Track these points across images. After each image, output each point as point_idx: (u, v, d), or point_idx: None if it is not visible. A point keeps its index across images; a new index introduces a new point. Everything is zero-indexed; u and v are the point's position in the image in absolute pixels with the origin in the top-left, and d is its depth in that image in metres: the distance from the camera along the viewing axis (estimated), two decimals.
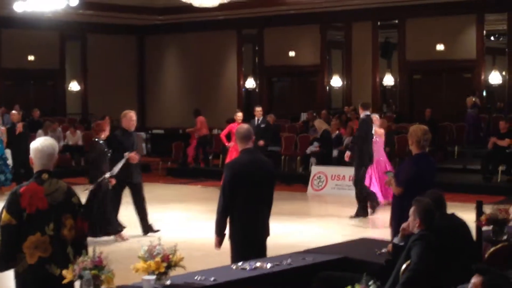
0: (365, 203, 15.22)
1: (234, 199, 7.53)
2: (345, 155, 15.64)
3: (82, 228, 5.97)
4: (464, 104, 23.38)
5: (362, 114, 15.25)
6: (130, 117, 13.04)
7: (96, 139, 12.74)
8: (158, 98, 31.99)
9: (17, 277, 5.83)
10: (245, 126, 7.97)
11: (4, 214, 5.76)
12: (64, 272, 5.64)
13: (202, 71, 30.55)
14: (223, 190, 7.59)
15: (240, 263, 7.21)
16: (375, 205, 15.30)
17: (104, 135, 12.83)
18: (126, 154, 12.76)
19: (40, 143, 5.97)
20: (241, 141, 7.74)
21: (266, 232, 7.79)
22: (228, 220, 7.62)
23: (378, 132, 16.12)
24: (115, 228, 12.72)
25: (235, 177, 7.53)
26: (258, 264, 7.14)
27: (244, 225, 7.58)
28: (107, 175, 12.50)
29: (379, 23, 26.88)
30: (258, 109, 19.32)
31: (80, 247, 5.86)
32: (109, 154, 12.67)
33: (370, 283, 5.42)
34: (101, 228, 12.42)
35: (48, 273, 5.70)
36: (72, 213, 5.89)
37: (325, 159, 20.25)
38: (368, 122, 15.14)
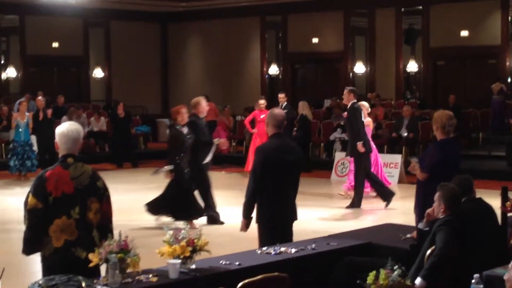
0: (380, 191, 15.02)
1: (264, 183, 7.58)
2: (358, 145, 14.91)
3: (107, 211, 6.01)
4: (489, 90, 23.23)
5: (352, 100, 14.70)
6: (205, 104, 13.08)
7: (173, 124, 12.76)
8: (181, 85, 32.00)
9: (44, 260, 5.87)
10: (282, 112, 8.01)
11: (30, 198, 5.80)
12: (90, 255, 5.69)
13: (225, 58, 30.53)
14: (254, 173, 7.64)
15: (264, 248, 7.23)
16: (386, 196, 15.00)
17: (181, 119, 12.73)
18: (216, 140, 13.10)
19: (65, 128, 6.00)
20: (274, 126, 7.77)
21: (293, 216, 7.84)
22: (255, 203, 7.68)
23: (365, 121, 15.44)
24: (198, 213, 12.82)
25: (265, 161, 7.59)
26: (282, 249, 7.16)
27: (272, 208, 7.64)
28: (208, 158, 12.98)
29: (403, 9, 26.77)
30: (282, 96, 19.28)
31: (105, 231, 5.90)
32: (189, 140, 12.66)
33: (395, 268, 5.43)
34: (186, 212, 12.42)
35: (74, 256, 5.74)
36: (97, 196, 5.93)
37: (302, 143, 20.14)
38: (359, 109, 14.87)
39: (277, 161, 7.62)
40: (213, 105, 24.23)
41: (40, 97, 21.42)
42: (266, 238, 7.64)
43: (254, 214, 7.76)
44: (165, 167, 12.76)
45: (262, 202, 7.68)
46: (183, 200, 12.64)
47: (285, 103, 19.04)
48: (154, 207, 12.91)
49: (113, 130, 23.07)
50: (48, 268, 5.80)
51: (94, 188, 5.93)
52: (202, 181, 13.07)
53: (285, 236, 7.73)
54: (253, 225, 7.82)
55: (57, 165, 5.91)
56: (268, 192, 7.63)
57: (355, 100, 14.71)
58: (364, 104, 15.42)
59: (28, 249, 5.90)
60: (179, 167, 12.63)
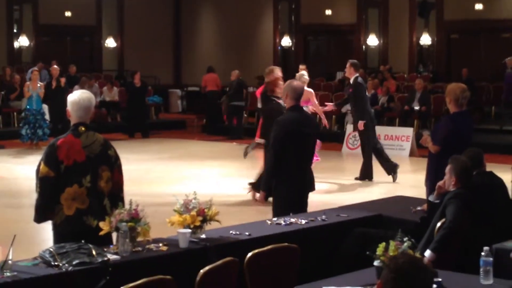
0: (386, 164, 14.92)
1: (284, 155, 7.61)
2: (359, 124, 14.46)
3: (118, 180, 6.03)
4: (502, 64, 23.10)
5: (354, 75, 14.43)
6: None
7: (270, 95, 11.98)
8: (194, 56, 31.96)
9: (55, 228, 5.90)
10: (301, 84, 8.01)
11: (42, 166, 5.82)
12: (101, 224, 5.71)
13: (238, 29, 30.44)
14: (274, 146, 7.66)
15: (275, 219, 7.25)
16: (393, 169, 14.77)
17: (279, 90, 11.68)
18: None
19: (77, 96, 6.00)
20: (293, 98, 7.78)
21: (310, 187, 7.89)
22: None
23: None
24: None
25: (284, 133, 7.59)
26: (292, 219, 7.18)
27: (290, 180, 7.67)
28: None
29: None
30: (303, 67, 19.17)
31: (116, 200, 5.92)
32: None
33: (404, 240, 5.43)
34: None
35: (85, 224, 5.77)
36: (108, 165, 5.94)
37: None
38: (362, 84, 14.77)
39: (296, 133, 7.64)
40: (215, 75, 24.31)
41: (55, 66, 21.41)
42: (281, 209, 7.67)
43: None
44: (257, 139, 12.18)
45: (280, 174, 7.69)
46: None
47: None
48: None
49: (128, 100, 23.04)
50: (59, 236, 5.83)
51: (106, 156, 5.95)
52: None
53: (301, 207, 7.77)
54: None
55: (69, 133, 5.92)
56: (287, 164, 7.65)
57: (357, 74, 14.62)
58: (304, 74, 14.37)
59: (40, 217, 5.93)
60: None
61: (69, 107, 5.98)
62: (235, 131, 22.78)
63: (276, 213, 7.69)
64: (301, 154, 7.73)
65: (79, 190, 5.81)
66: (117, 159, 6.05)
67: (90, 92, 6.21)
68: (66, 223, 5.78)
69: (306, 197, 7.94)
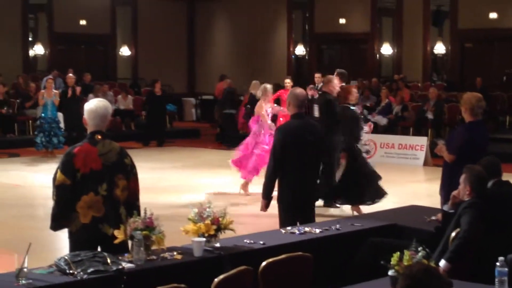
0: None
1: (284, 163, 7.60)
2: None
3: (134, 189, 6.05)
4: None
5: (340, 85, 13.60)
6: (337, 82, 12.36)
7: (346, 104, 11.71)
8: (208, 64, 32.01)
9: (71, 236, 5.92)
10: (303, 91, 7.99)
11: (58, 174, 5.85)
12: (116, 232, 5.74)
13: (252, 37, 30.47)
14: (273, 153, 7.67)
15: (289, 228, 7.25)
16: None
17: (352, 98, 11.77)
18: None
19: (94, 104, 6.04)
20: (296, 105, 7.77)
21: (314, 196, 7.85)
22: (277, 183, 7.70)
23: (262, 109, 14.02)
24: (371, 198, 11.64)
25: (285, 140, 7.60)
26: (307, 229, 7.18)
27: (292, 188, 7.66)
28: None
29: None
30: (318, 76, 19.14)
31: (132, 208, 5.94)
32: (362, 120, 11.82)
33: (419, 249, 5.42)
34: (357, 197, 11.51)
35: (101, 232, 5.79)
36: (124, 173, 5.97)
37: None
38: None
39: (297, 141, 7.64)
40: (225, 83, 24.35)
41: (70, 74, 21.47)
42: (286, 218, 7.67)
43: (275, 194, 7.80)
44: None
45: (283, 181, 7.72)
46: (365, 184, 11.60)
47: (322, 83, 18.87)
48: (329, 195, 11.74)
49: (149, 108, 23.08)
50: (75, 244, 5.85)
51: (122, 165, 5.98)
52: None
53: (306, 215, 7.76)
54: (275, 205, 7.85)
55: (85, 141, 5.96)
56: (289, 172, 7.66)
57: (344, 84, 14.60)
58: (267, 87, 14.18)
59: (56, 225, 5.96)
60: (356, 149, 11.74)
61: (85, 115, 6.01)
62: (229, 139, 22.84)
63: (282, 222, 7.69)
64: (303, 162, 7.69)
65: (95, 198, 5.83)
66: (133, 167, 6.07)
67: (106, 101, 6.24)
68: (82, 231, 5.81)
69: (311, 204, 7.92)
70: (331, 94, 12.26)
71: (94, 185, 5.85)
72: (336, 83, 12.13)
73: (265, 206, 7.84)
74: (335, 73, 14.27)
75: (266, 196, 7.79)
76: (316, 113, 12.43)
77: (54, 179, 5.87)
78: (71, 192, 5.82)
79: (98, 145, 5.93)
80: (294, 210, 7.73)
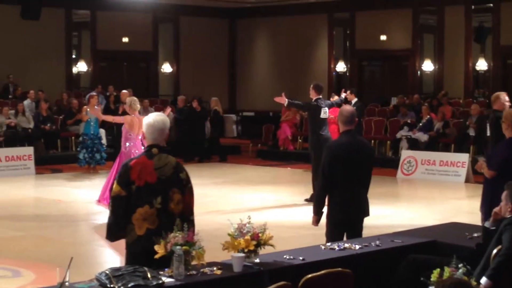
0: None
1: (333, 180, 7.63)
2: None
3: (189, 203, 6.17)
4: None
5: (315, 97, 14.73)
6: (504, 98, 11.56)
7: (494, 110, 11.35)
8: (249, 81, 32.12)
9: (128, 247, 6.04)
10: (350, 108, 8.01)
11: (115, 185, 6.02)
12: (156, 247, 5.77)
13: (293, 54, 30.52)
14: (322, 170, 7.71)
15: (328, 244, 7.25)
16: None
17: (499, 105, 11.21)
18: None
19: (152, 118, 6.18)
20: (344, 122, 7.81)
21: (363, 212, 7.85)
22: (326, 200, 7.73)
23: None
24: None
25: (334, 157, 7.64)
26: (346, 245, 7.16)
27: (341, 205, 7.68)
28: None
29: (473, 6, 26.39)
30: (348, 92, 19.15)
31: (187, 222, 6.01)
32: None
33: (459, 266, 5.39)
34: None
35: (155, 244, 5.85)
36: (179, 188, 6.08)
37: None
38: (316, 105, 14.72)
39: (346, 158, 7.66)
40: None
41: (125, 91, 21.48)
42: (334, 234, 7.69)
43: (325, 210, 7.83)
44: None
45: (332, 199, 7.76)
46: None
47: (354, 100, 18.86)
48: None
49: (189, 124, 23.21)
50: (131, 255, 5.94)
51: (177, 179, 6.08)
52: None
53: (354, 232, 7.77)
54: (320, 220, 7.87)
55: (143, 154, 6.11)
56: (338, 189, 7.69)
57: (319, 96, 14.73)
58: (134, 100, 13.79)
59: (110, 235, 6.10)
60: None
61: (144, 129, 6.17)
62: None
63: (330, 238, 7.70)
64: (351, 179, 7.70)
65: (150, 210, 5.95)
66: (188, 182, 6.17)
67: (164, 115, 6.35)
68: (137, 242, 5.90)
69: (359, 222, 7.91)
70: (502, 111, 11.99)
71: (149, 198, 5.96)
72: (503, 99, 11.69)
73: (316, 222, 7.90)
74: (312, 86, 14.61)
75: (317, 212, 7.85)
76: (488, 131, 12.13)
77: (110, 189, 6.02)
78: (126, 204, 5.94)
79: (154, 158, 6.05)
80: (343, 227, 7.78)
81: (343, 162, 7.65)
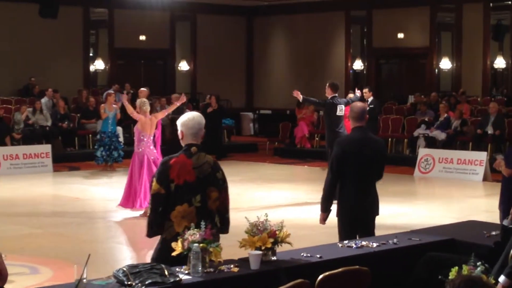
0: None
1: (342, 176, 7.60)
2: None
3: (225, 202, 6.22)
4: None
5: (331, 95, 14.93)
6: None
7: None
8: (266, 79, 32.11)
9: (165, 243, 6.04)
10: (360, 104, 7.98)
11: (154, 183, 6.06)
12: (173, 244, 5.79)
13: (310, 52, 30.49)
14: (331, 166, 7.66)
15: (346, 241, 7.22)
16: None
17: None
18: None
19: (188, 118, 6.24)
20: (354, 119, 7.76)
21: (374, 210, 7.80)
22: (336, 198, 7.69)
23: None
24: None
25: (343, 153, 7.59)
26: (364, 242, 7.14)
27: (352, 203, 7.63)
28: None
29: (491, 4, 26.29)
30: (365, 90, 19.12)
31: (223, 220, 6.13)
32: None
33: (478, 264, 5.36)
34: None
35: None
36: (216, 187, 6.14)
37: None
38: (332, 103, 14.84)
39: (355, 154, 7.60)
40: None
41: (143, 88, 21.52)
42: (345, 232, 7.65)
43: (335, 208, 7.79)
44: None
45: (342, 196, 7.70)
46: None
47: (371, 98, 18.82)
48: None
49: (206, 123, 23.20)
50: (168, 251, 5.91)
51: (214, 178, 6.15)
52: None
53: (366, 230, 7.72)
54: (334, 219, 7.84)
55: (181, 153, 6.15)
56: (347, 186, 7.64)
57: (335, 95, 14.84)
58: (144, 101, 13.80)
59: (150, 232, 6.16)
60: None
61: (182, 128, 6.20)
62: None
63: (342, 237, 7.68)
64: (361, 176, 7.66)
65: (189, 209, 6.01)
66: (224, 181, 6.25)
67: (200, 114, 6.39)
68: (175, 239, 5.91)
69: (370, 221, 7.84)
70: None
71: (188, 196, 6.01)
72: None
73: (324, 219, 7.83)
74: (327, 84, 14.68)
75: (325, 209, 7.77)
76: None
77: (150, 187, 6.12)
78: (165, 201, 6.00)
79: (193, 157, 6.11)
80: (354, 225, 7.72)
81: (352, 157, 7.59)
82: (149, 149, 13.26)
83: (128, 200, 13.33)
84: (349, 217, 7.70)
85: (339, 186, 7.69)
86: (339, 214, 7.74)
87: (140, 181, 13.18)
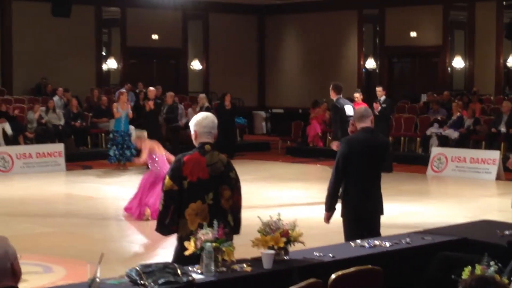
0: None
1: (347, 176, 7.64)
2: (332, 144, 14.16)
3: (237, 201, 6.26)
4: None
5: (335, 97, 14.71)
6: None
7: None
8: (278, 78, 32.10)
9: (180, 241, 6.06)
10: (363, 105, 8.04)
11: (167, 180, 6.10)
12: (186, 243, 5.80)
13: (322, 51, 30.46)
14: (336, 164, 7.71)
15: (359, 241, 7.22)
16: None
17: None
18: None
19: (202, 117, 6.31)
20: (358, 119, 7.86)
21: (378, 210, 7.82)
22: (341, 197, 7.72)
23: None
24: None
25: (348, 151, 7.64)
26: (376, 242, 7.14)
27: (355, 202, 7.67)
28: None
29: (504, 2, 26.20)
30: (379, 89, 19.11)
31: (235, 219, 6.18)
32: None
33: (491, 263, 5.35)
34: None
35: None
36: (229, 185, 6.18)
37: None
38: (338, 106, 14.64)
39: (361, 154, 7.65)
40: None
41: (152, 88, 21.59)
42: (350, 232, 7.66)
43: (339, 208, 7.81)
44: None
45: (346, 195, 7.74)
46: None
47: (383, 96, 18.80)
48: None
49: (218, 121, 23.20)
50: (183, 249, 5.94)
51: (227, 177, 6.20)
52: None
53: (371, 230, 7.72)
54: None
55: (195, 151, 6.20)
56: (352, 185, 7.68)
57: (339, 96, 14.68)
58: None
59: (161, 229, 6.20)
60: None
61: (195, 127, 6.26)
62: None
63: (347, 237, 7.70)
64: (366, 175, 7.71)
65: (202, 206, 6.05)
66: (237, 181, 6.30)
67: (213, 115, 6.51)
68: (190, 237, 5.92)
69: (374, 220, 7.85)
70: None
71: (201, 194, 6.05)
72: None
73: (328, 218, 7.87)
74: (331, 86, 14.62)
75: (329, 208, 7.81)
76: None
77: (163, 184, 6.14)
78: (178, 198, 6.03)
79: (207, 155, 6.16)
80: (359, 224, 7.73)
81: (356, 157, 7.64)
82: (165, 166, 12.87)
83: (136, 209, 13.17)
84: (353, 217, 7.73)
85: (343, 185, 7.72)
86: (343, 214, 7.77)
87: (150, 194, 12.93)
